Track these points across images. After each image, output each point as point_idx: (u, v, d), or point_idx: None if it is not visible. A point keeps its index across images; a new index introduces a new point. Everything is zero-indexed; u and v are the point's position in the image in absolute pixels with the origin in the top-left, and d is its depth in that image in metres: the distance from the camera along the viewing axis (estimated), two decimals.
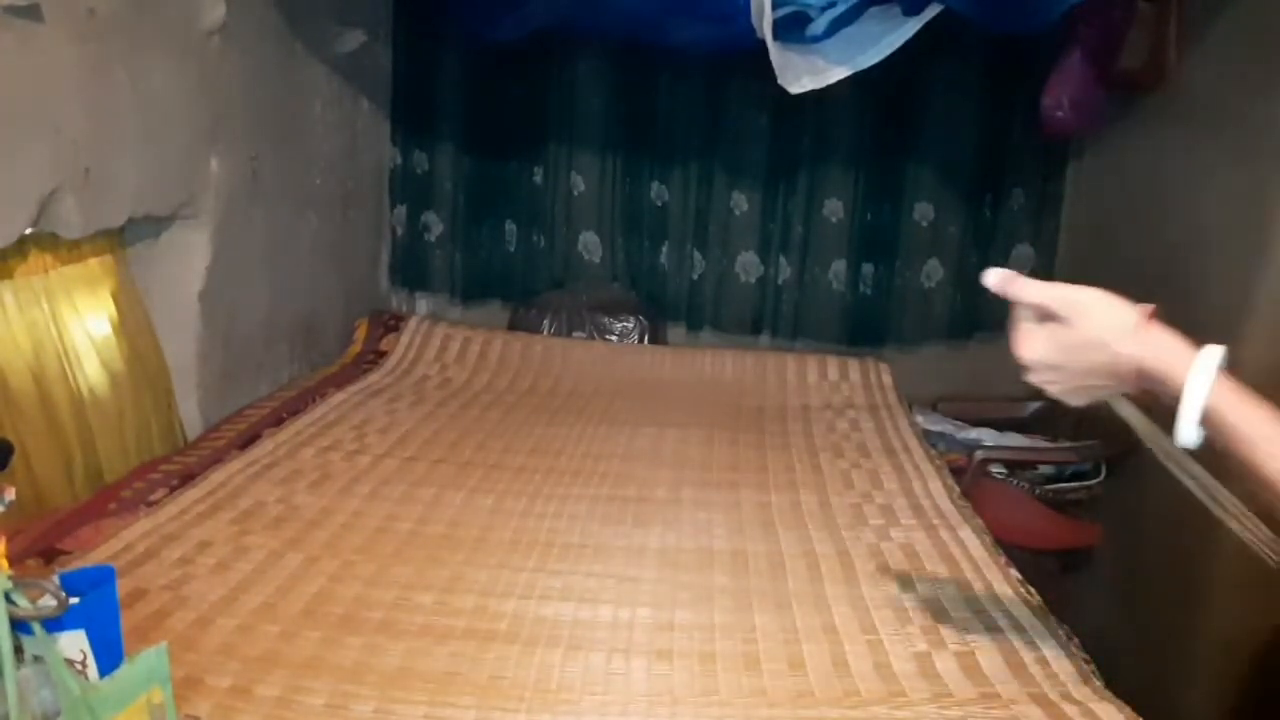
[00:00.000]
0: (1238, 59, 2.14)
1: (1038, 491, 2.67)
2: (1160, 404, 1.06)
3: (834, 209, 3.27)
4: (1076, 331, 1.05)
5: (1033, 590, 1.68)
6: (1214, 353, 0.99)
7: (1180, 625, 1.99)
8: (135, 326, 2.10)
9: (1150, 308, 1.05)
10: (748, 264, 3.35)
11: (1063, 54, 2.58)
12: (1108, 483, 2.68)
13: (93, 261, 1.99)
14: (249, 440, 2.17)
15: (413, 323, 3.20)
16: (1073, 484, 2.70)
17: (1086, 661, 1.46)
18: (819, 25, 2.17)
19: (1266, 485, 0.96)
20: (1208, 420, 0.99)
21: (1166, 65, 2.37)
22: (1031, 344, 1.08)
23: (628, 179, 3.36)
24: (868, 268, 3.30)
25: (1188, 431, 1.00)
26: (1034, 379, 1.09)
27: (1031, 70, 2.75)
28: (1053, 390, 1.09)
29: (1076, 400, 1.10)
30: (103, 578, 1.05)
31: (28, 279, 1.81)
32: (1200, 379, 0.98)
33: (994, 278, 1.10)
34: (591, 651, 1.43)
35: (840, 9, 2.15)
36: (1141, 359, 1.02)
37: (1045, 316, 1.07)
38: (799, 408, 2.80)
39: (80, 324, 1.95)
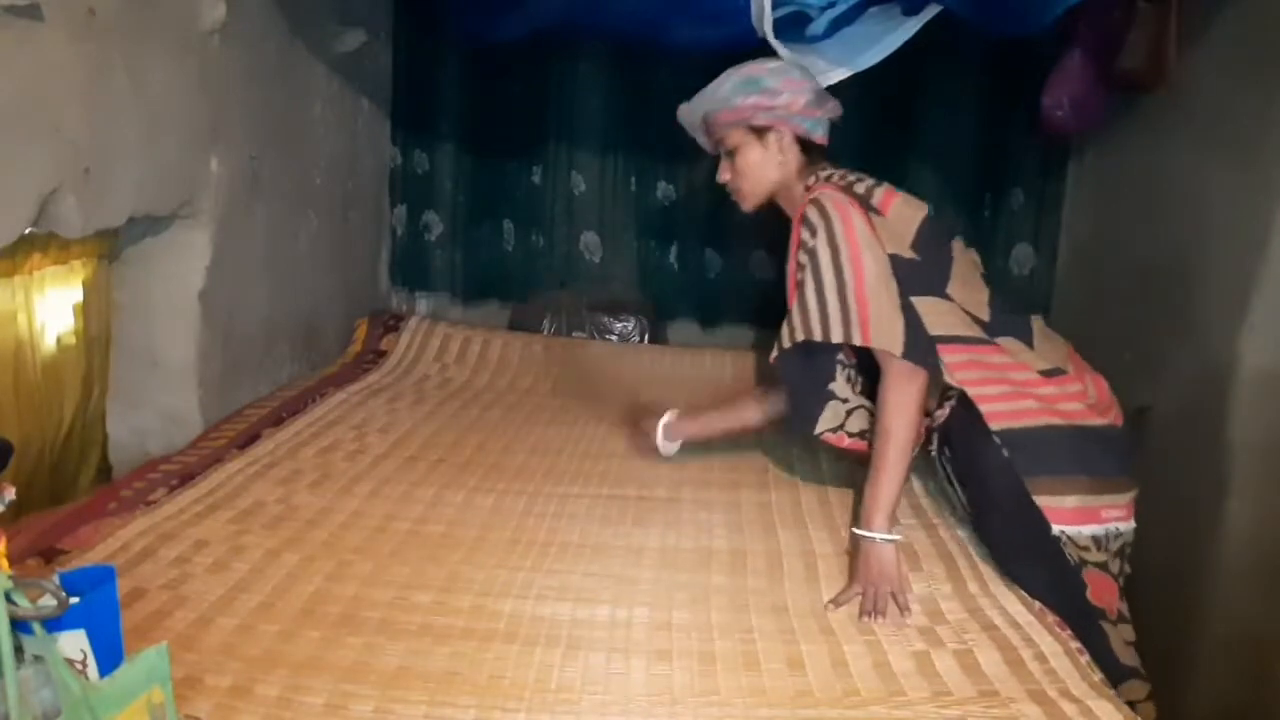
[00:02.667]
0: (1238, 59, 2.14)
1: None
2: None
3: None
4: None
5: None
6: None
7: (1179, 623, 1.99)
8: (96, 335, 2.09)
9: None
10: (749, 263, 3.35)
11: (1063, 54, 2.57)
12: None
13: (77, 264, 1.98)
14: (249, 440, 2.17)
15: (413, 323, 3.21)
16: None
17: (1081, 653, 1.47)
18: (819, 25, 2.17)
19: None
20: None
21: (1166, 65, 2.36)
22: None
23: (628, 179, 3.35)
24: None
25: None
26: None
27: (1031, 70, 2.74)
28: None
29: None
30: (103, 577, 1.05)
31: (13, 279, 1.80)
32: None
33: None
34: (591, 651, 1.43)
35: (840, 9, 2.14)
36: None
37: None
38: None
39: (52, 325, 1.94)
